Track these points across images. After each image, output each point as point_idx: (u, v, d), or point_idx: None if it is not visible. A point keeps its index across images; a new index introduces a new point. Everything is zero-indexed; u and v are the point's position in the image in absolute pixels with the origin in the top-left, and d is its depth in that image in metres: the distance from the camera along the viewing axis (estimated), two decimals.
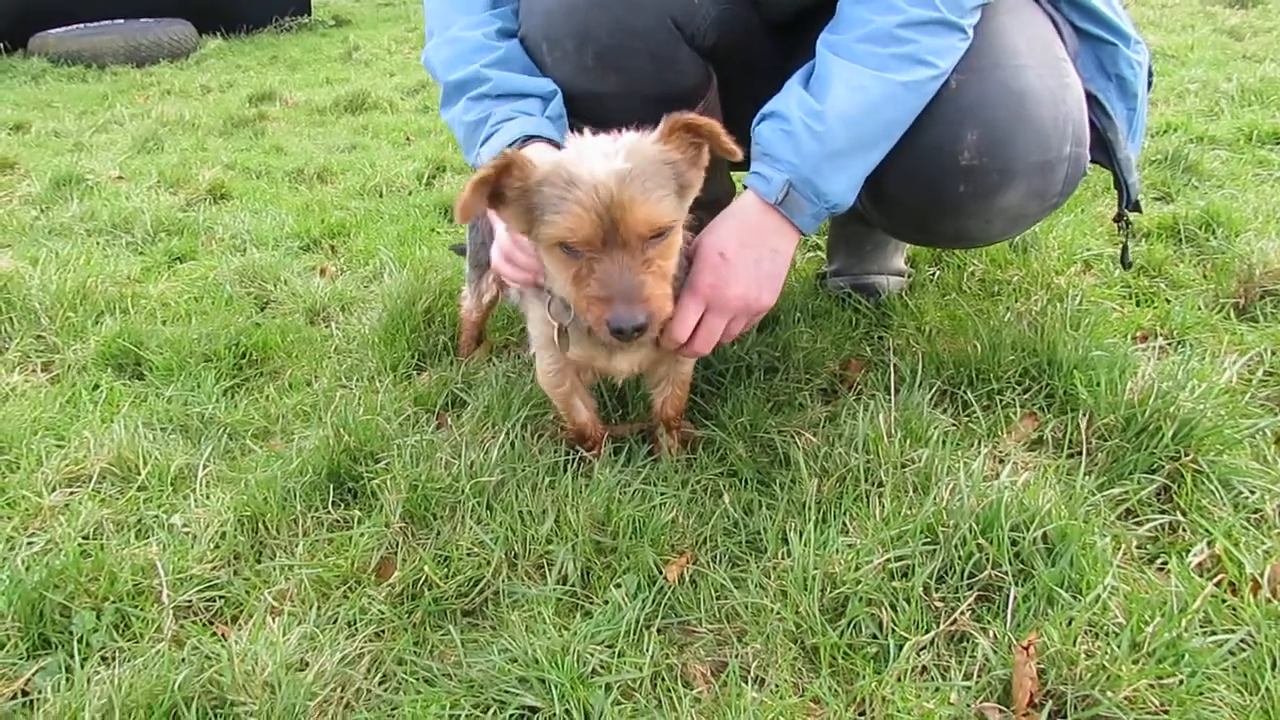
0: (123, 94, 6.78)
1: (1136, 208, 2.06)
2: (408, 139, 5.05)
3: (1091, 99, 1.90)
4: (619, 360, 1.72)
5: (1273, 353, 2.04)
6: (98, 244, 3.33)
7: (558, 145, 1.74)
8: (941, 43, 1.64)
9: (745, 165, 1.72)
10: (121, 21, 8.65)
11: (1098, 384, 1.85)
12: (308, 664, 1.40)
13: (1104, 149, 1.95)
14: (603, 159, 1.39)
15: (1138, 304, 2.39)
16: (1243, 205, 2.88)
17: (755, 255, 1.64)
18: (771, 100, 1.68)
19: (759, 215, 1.64)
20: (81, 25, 8.53)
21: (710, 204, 1.69)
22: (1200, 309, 2.30)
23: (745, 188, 1.67)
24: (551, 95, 1.84)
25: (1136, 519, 1.61)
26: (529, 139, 1.73)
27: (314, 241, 3.34)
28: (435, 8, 1.92)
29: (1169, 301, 2.36)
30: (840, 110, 1.60)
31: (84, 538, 1.70)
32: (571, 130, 1.56)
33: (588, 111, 1.88)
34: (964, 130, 1.70)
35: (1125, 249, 2.18)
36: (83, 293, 2.73)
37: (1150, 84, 2.06)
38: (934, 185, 1.76)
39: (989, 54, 1.72)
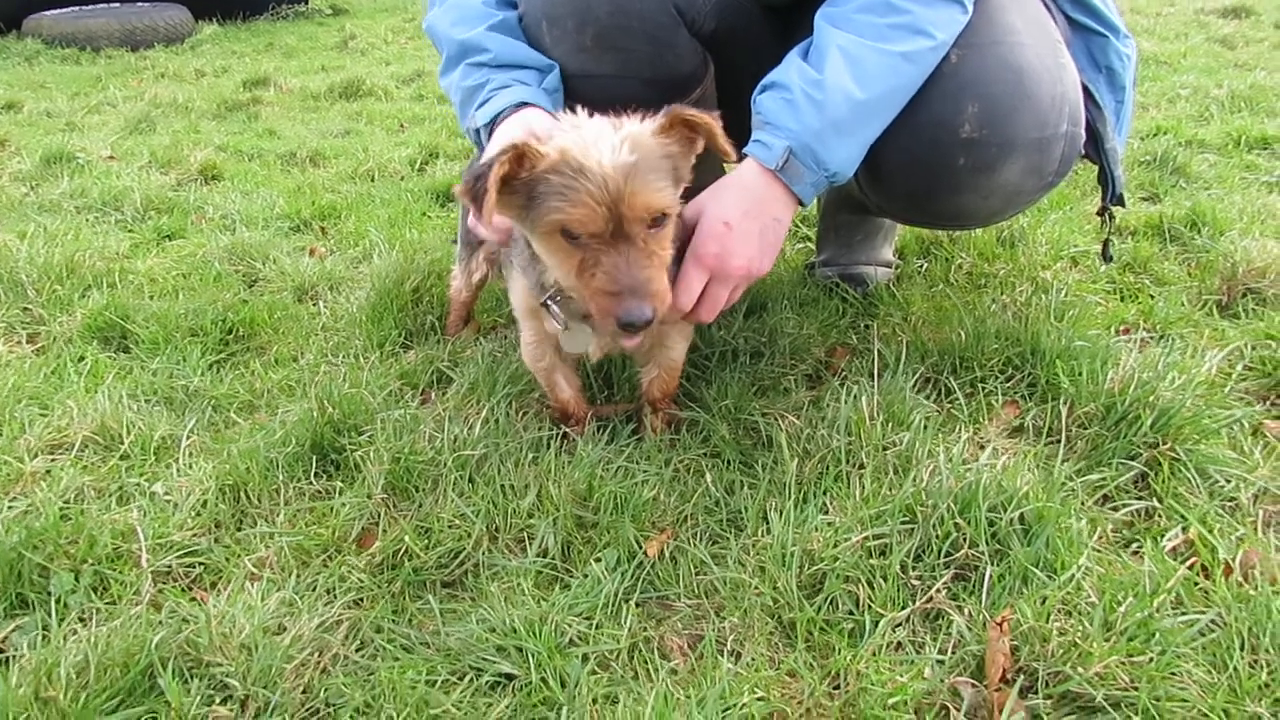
0: (116, 77, 6.76)
1: (1121, 202, 2.08)
2: (401, 126, 5.04)
3: (1083, 90, 1.91)
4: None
5: (1253, 348, 2.06)
6: (87, 220, 3.32)
7: (550, 114, 1.75)
8: (940, 14, 1.65)
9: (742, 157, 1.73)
10: (117, 5, 8.62)
11: (1079, 373, 1.86)
12: (285, 628, 1.41)
13: (1092, 140, 1.96)
14: (609, 150, 1.38)
15: (1122, 299, 2.41)
16: (1228, 206, 2.90)
17: (759, 224, 1.65)
18: (772, 72, 1.69)
19: (760, 183, 1.64)
20: (76, 8, 8.50)
21: (699, 191, 1.70)
22: (1183, 305, 2.32)
23: (745, 156, 1.68)
24: (549, 69, 1.86)
25: (1113, 504, 1.62)
26: (522, 105, 1.74)
27: (304, 223, 3.34)
28: None
29: (1153, 297, 2.38)
30: (840, 79, 1.61)
31: (64, 503, 1.70)
32: (568, 109, 1.56)
33: (585, 92, 1.88)
34: (964, 103, 1.71)
35: (1107, 243, 2.20)
36: (70, 266, 2.73)
37: (1135, 80, 2.08)
38: (933, 158, 1.77)
39: (988, 30, 1.74)
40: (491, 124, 1.75)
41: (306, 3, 10.59)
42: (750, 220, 1.65)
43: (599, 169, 1.36)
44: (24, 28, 8.36)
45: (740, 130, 1.64)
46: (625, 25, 1.84)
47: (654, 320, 1.42)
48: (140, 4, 8.66)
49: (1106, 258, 2.21)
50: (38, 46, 7.87)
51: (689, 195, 1.64)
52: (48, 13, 8.33)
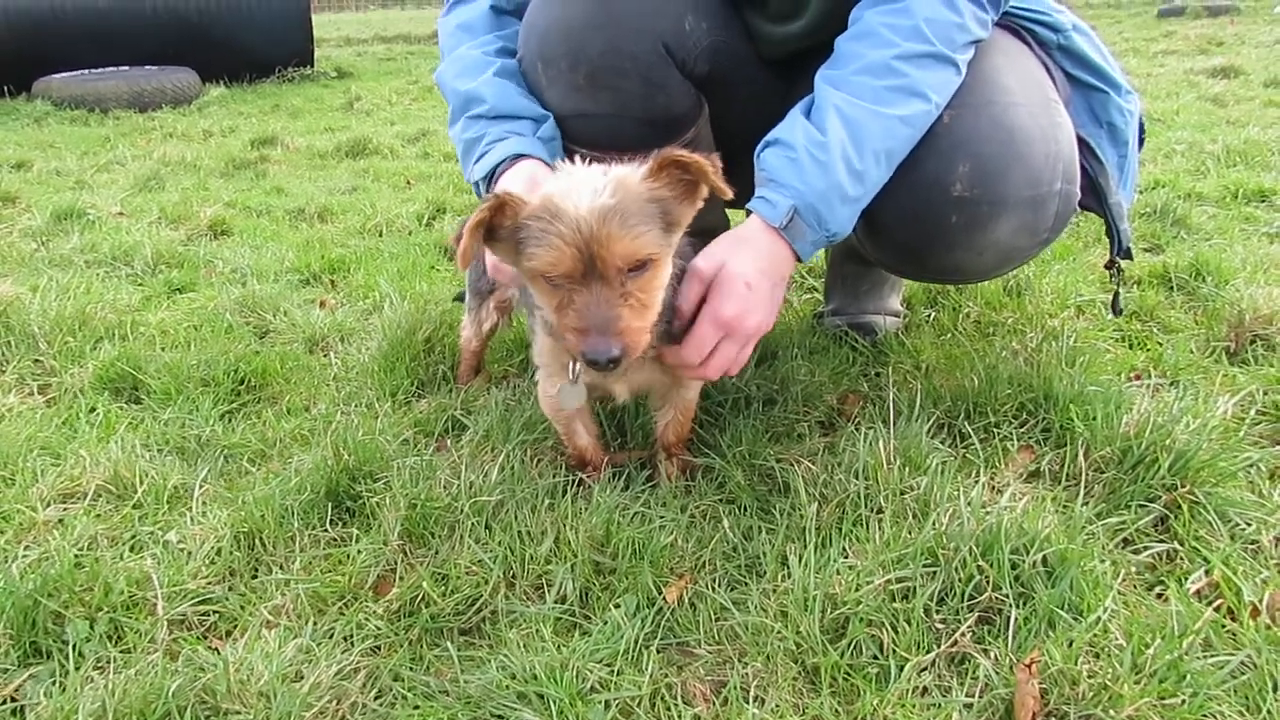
0: (125, 137, 6.86)
1: (1128, 255, 2.10)
2: (408, 183, 5.10)
3: (1083, 145, 1.93)
4: (617, 382, 1.73)
5: (1265, 393, 2.06)
6: (98, 274, 3.34)
7: (547, 164, 1.78)
8: (935, 77, 1.69)
9: (739, 201, 1.75)
10: (125, 68, 8.78)
11: (1094, 418, 1.87)
12: (303, 676, 1.39)
13: (1095, 195, 1.98)
14: (590, 194, 1.39)
15: (1130, 346, 2.42)
16: (1231, 256, 2.93)
17: (770, 283, 1.67)
18: (775, 128, 1.72)
19: (766, 240, 1.66)
20: (85, 71, 8.65)
21: (702, 234, 1.71)
22: (1192, 352, 2.33)
23: (749, 213, 1.70)
24: (543, 119, 1.91)
25: (1134, 547, 1.61)
26: (518, 157, 1.78)
27: (314, 276, 3.36)
28: (446, 31, 2.04)
29: (1161, 344, 2.39)
30: (841, 141, 1.64)
31: (78, 551, 1.68)
32: (565, 156, 1.58)
33: (580, 133, 1.93)
34: (956, 163, 1.74)
35: (1117, 296, 2.20)
36: (82, 319, 2.74)
37: (1142, 138, 2.11)
38: (926, 216, 1.79)
39: (982, 90, 1.77)
40: (489, 177, 1.81)
41: (312, 66, 10.79)
42: (764, 279, 1.66)
43: (574, 212, 1.38)
44: (33, 90, 8.49)
45: (736, 173, 1.61)
46: (617, 65, 1.89)
47: (622, 360, 1.42)
48: (148, 67, 8.83)
49: (1116, 310, 2.22)
50: (47, 108, 8.00)
51: (697, 236, 1.66)
52: (56, 75, 8.48)
